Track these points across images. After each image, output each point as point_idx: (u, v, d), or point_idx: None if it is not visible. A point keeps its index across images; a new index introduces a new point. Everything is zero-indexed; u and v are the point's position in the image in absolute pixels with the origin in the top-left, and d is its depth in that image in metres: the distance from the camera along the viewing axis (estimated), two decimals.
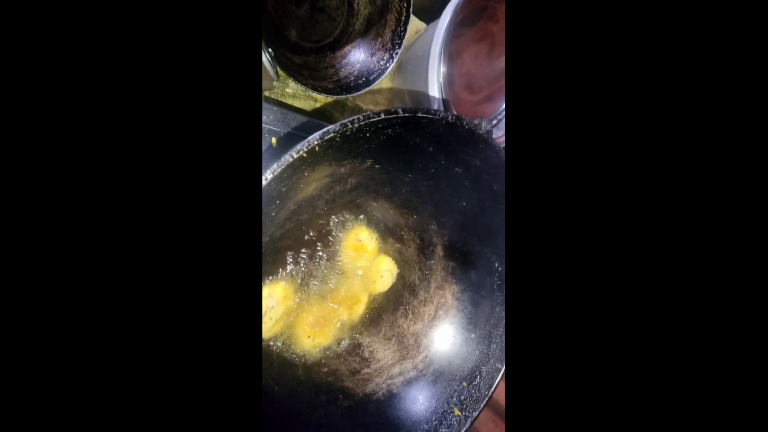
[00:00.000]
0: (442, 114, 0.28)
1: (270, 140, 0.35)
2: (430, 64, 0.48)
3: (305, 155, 0.24)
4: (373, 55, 0.51)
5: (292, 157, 0.22)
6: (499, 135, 0.45)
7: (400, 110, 0.26)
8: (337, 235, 0.37)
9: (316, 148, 0.25)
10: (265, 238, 0.32)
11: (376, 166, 0.35)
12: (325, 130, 0.23)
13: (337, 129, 0.24)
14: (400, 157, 0.34)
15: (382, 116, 0.25)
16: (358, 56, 0.51)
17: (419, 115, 0.27)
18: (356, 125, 0.24)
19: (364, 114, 0.25)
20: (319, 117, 0.52)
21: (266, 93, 0.45)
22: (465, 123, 0.30)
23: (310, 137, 0.23)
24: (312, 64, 0.48)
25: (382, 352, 0.41)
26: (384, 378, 0.40)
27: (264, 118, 0.33)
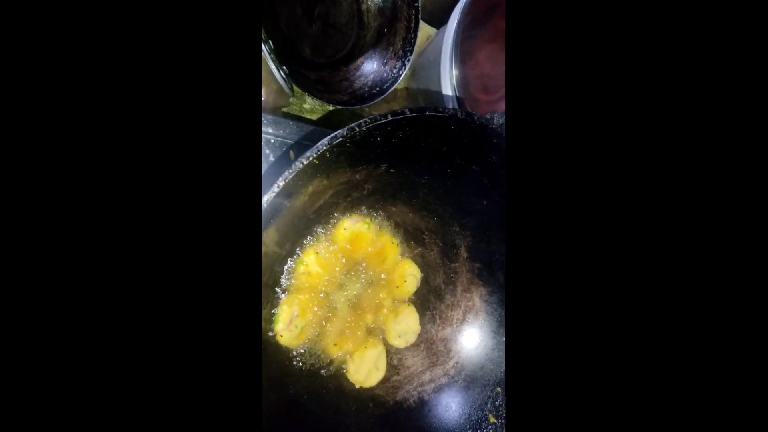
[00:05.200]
0: (451, 111, 0.28)
1: (288, 153, 0.36)
2: (442, 69, 0.48)
3: (316, 161, 0.25)
4: (385, 64, 0.52)
5: (302, 163, 0.23)
6: None
7: (407, 110, 0.26)
8: (358, 242, 0.37)
9: (327, 154, 0.26)
10: (283, 251, 0.32)
11: (391, 170, 0.35)
12: (333, 135, 0.24)
13: (345, 133, 0.24)
14: (414, 159, 0.34)
15: (390, 117, 0.25)
16: (371, 67, 0.52)
17: (427, 113, 0.27)
18: (364, 128, 0.25)
19: (371, 117, 0.25)
20: (336, 129, 0.54)
21: (284, 109, 0.47)
22: (476, 118, 0.30)
23: (319, 143, 0.23)
24: (327, 78, 0.50)
25: (411, 358, 0.40)
26: (414, 385, 0.39)
27: (281, 132, 0.35)
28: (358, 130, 0.25)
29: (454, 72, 0.48)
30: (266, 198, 0.23)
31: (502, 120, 0.30)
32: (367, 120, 0.25)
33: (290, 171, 0.23)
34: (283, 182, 0.23)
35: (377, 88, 0.50)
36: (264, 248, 0.28)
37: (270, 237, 0.29)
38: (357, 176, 0.33)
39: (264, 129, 0.34)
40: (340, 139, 0.24)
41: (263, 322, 0.31)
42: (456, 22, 0.48)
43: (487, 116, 0.30)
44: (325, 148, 0.24)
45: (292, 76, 0.41)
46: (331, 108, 0.52)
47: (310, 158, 0.23)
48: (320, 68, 0.50)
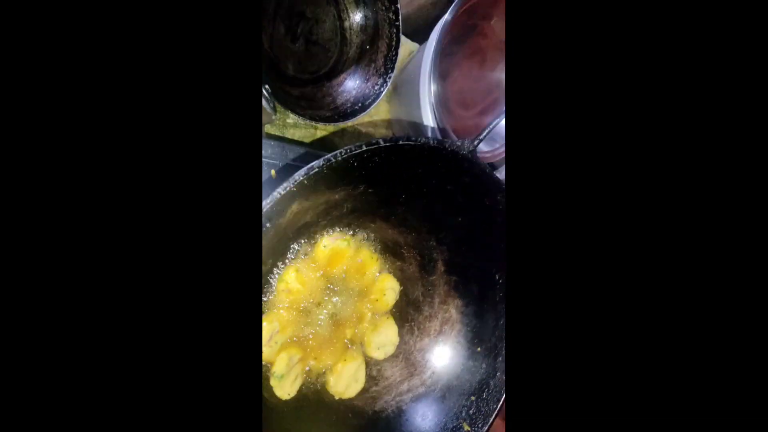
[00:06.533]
0: (423, 140, 0.29)
1: (269, 173, 0.37)
2: (421, 85, 0.50)
3: (294, 189, 0.26)
4: (367, 80, 0.53)
5: (280, 194, 0.24)
6: (491, 149, 0.45)
7: (381, 140, 0.28)
8: (337, 258, 0.38)
9: (305, 182, 0.27)
10: (265, 267, 0.34)
11: (370, 190, 0.36)
12: (309, 166, 0.25)
13: (321, 164, 0.26)
14: (392, 180, 0.36)
15: (364, 147, 0.27)
16: (353, 83, 0.53)
17: (401, 143, 0.28)
18: (340, 158, 0.26)
19: (346, 147, 0.26)
20: (321, 144, 0.55)
21: (267, 126, 0.48)
22: (447, 145, 0.31)
23: (296, 174, 0.25)
24: (310, 94, 0.51)
25: (389, 369, 0.42)
26: (393, 395, 0.41)
27: (264, 152, 0.36)
28: (333, 160, 0.26)
29: (433, 88, 0.50)
30: None
31: (471, 147, 0.32)
32: (342, 151, 0.26)
33: (267, 201, 0.24)
34: (264, 209, 0.24)
35: (359, 104, 0.51)
36: None
37: None
38: (336, 197, 0.35)
39: None
40: (317, 169, 0.25)
41: None
42: (436, 39, 0.50)
43: (458, 143, 0.32)
44: (302, 178, 0.25)
45: (275, 94, 0.42)
46: (314, 124, 0.53)
47: (287, 188, 0.25)
48: (303, 84, 0.51)
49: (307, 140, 0.53)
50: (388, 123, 0.60)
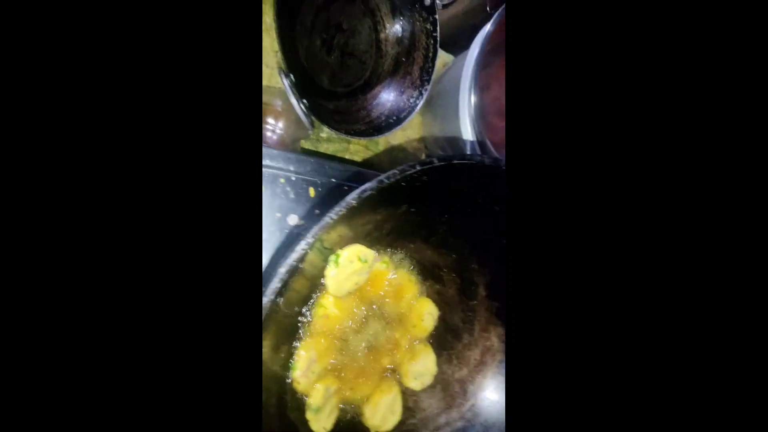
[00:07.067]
0: (479, 158, 0.27)
1: (308, 190, 0.35)
2: (461, 98, 0.48)
3: (344, 212, 0.24)
4: (402, 93, 0.52)
5: (332, 219, 0.22)
6: None
7: (435, 159, 0.26)
8: (376, 281, 0.36)
9: (354, 203, 0.25)
10: (305, 293, 0.32)
11: (412, 210, 0.34)
12: (362, 189, 0.23)
13: (374, 186, 0.24)
14: (436, 199, 0.34)
15: (418, 167, 0.25)
16: (388, 96, 0.52)
17: (455, 162, 0.26)
18: (392, 180, 0.24)
19: (399, 168, 0.25)
20: (354, 158, 0.53)
21: (300, 142, 0.47)
22: (502, 164, 0.29)
23: (348, 197, 0.23)
24: (344, 108, 0.49)
25: (426, 400, 0.39)
26: (430, 429, 0.38)
27: (301, 169, 0.34)
28: (386, 182, 0.24)
29: (473, 100, 0.48)
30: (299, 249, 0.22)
31: None
32: (396, 172, 0.24)
33: (319, 226, 0.22)
34: (312, 238, 0.22)
35: (394, 117, 0.50)
36: (291, 292, 0.27)
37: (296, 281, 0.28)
38: (378, 217, 0.33)
39: (285, 166, 0.34)
40: (369, 192, 0.23)
41: (280, 368, 0.31)
42: (477, 50, 0.48)
43: None
44: (354, 202, 0.23)
45: (310, 108, 0.40)
46: (348, 138, 0.51)
47: (340, 212, 0.23)
48: (338, 98, 0.49)
49: (339, 155, 0.52)
50: (421, 136, 0.58)
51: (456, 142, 0.51)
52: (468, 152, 0.48)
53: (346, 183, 0.36)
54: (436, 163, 0.26)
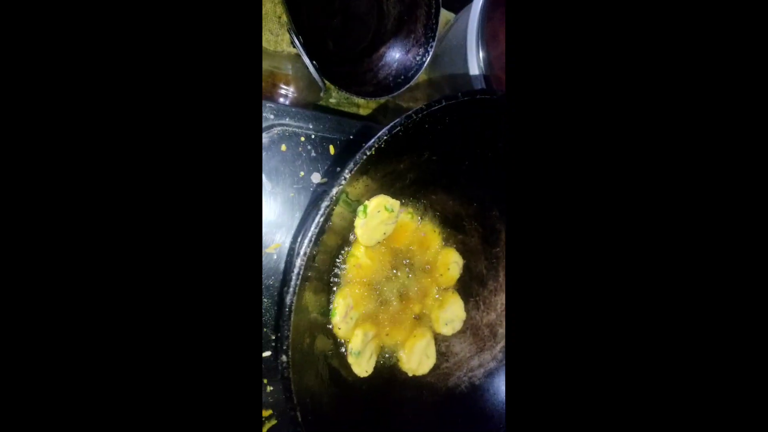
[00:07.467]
0: (500, 93, 0.27)
1: (329, 148, 0.36)
2: (469, 51, 0.47)
3: (374, 152, 0.25)
4: (408, 52, 0.51)
5: (366, 154, 0.23)
6: None
7: (459, 94, 0.26)
8: (402, 233, 0.37)
9: (382, 145, 0.25)
10: (336, 243, 0.32)
11: (433, 158, 0.34)
12: (392, 124, 0.24)
13: (403, 122, 0.24)
14: (456, 144, 0.34)
15: (444, 103, 0.25)
16: (393, 55, 0.51)
17: (479, 96, 0.27)
18: (420, 115, 0.25)
19: (425, 104, 0.25)
20: (372, 121, 0.53)
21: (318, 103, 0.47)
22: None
23: (380, 132, 0.23)
24: (351, 70, 0.49)
25: (458, 345, 0.40)
26: (464, 371, 0.40)
27: (321, 126, 0.35)
28: (414, 117, 0.24)
29: (481, 54, 0.47)
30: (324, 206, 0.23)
31: None
32: (423, 107, 0.25)
33: (345, 173, 0.23)
34: (347, 177, 0.23)
35: (402, 77, 0.50)
36: (324, 246, 0.28)
37: (328, 236, 0.28)
38: (401, 165, 0.33)
39: (305, 125, 0.34)
40: (399, 128, 0.24)
41: (319, 315, 0.32)
42: (480, 5, 0.48)
43: None
44: (386, 137, 0.23)
45: (319, 72, 0.40)
46: (356, 100, 0.51)
47: (372, 148, 0.23)
48: (344, 61, 0.49)
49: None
50: (429, 95, 0.58)
51: None
52: None
53: (365, 141, 0.36)
54: (461, 98, 0.26)
